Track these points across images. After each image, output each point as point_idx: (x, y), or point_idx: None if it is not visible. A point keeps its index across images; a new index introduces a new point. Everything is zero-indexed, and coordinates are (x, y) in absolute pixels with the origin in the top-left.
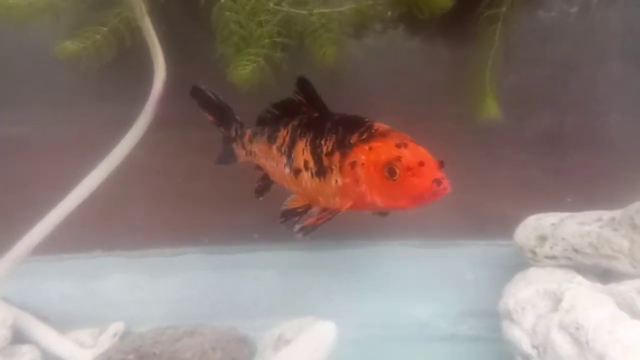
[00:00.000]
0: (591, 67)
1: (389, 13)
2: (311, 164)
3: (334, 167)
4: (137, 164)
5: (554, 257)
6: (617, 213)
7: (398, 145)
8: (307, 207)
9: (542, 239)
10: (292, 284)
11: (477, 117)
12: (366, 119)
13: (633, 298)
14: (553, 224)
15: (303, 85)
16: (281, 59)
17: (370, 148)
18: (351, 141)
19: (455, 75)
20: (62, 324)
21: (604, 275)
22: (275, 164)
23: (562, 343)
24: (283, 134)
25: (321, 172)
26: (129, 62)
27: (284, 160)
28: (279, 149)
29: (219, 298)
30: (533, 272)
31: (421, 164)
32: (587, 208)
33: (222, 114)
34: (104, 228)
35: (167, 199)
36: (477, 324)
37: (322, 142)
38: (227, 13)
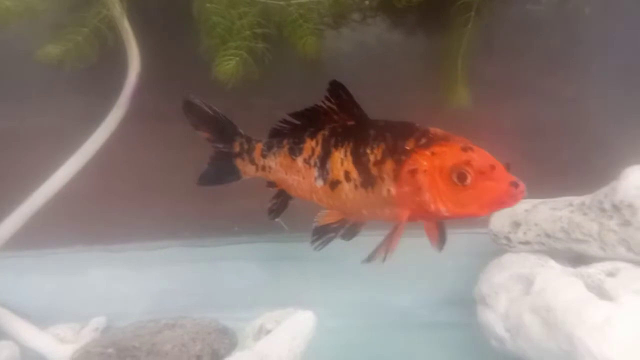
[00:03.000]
0: (567, 56)
1: (367, 2)
2: (354, 174)
3: (385, 177)
4: (116, 158)
5: (527, 243)
6: (587, 198)
7: (464, 149)
8: (343, 222)
9: (516, 225)
10: (273, 276)
11: (449, 105)
12: (418, 124)
13: (601, 280)
14: (526, 210)
15: (337, 90)
16: (263, 50)
17: (433, 153)
18: (406, 147)
19: (432, 63)
20: (43, 319)
21: (576, 259)
22: (301, 178)
23: (533, 325)
24: (311, 145)
25: (368, 182)
26: (106, 55)
27: (315, 172)
28: (306, 161)
29: (201, 291)
30: (507, 258)
31: (492, 167)
32: (563, 194)
33: (221, 130)
34: (84, 223)
35: (147, 192)
36: (456, 310)
37: (368, 151)
38: (208, 5)
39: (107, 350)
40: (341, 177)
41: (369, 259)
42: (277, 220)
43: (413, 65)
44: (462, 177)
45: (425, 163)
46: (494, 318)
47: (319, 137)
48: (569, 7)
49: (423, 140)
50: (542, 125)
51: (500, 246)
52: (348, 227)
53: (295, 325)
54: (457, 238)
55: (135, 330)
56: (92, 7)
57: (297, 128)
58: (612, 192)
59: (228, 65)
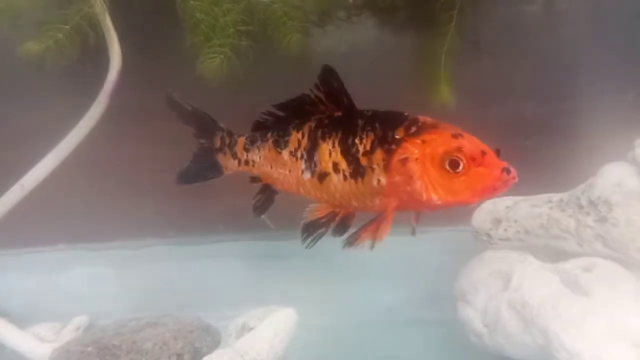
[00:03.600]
0: (552, 55)
1: (350, 0)
2: (343, 165)
3: (375, 167)
4: (99, 155)
5: (507, 239)
6: (565, 195)
7: (454, 136)
8: (333, 215)
9: (497, 221)
10: (258, 274)
11: (431, 103)
12: (406, 113)
13: (577, 275)
14: (507, 207)
15: (328, 77)
16: (247, 48)
17: (423, 141)
18: (396, 136)
19: (416, 62)
20: (24, 319)
21: (556, 255)
22: (287, 171)
23: (510, 320)
24: (297, 137)
25: (358, 172)
26: (92, 52)
27: (302, 165)
28: (292, 153)
29: (185, 289)
30: (488, 255)
31: (483, 153)
32: (547, 191)
33: (201, 125)
34: (66, 221)
35: (131, 190)
36: (441, 307)
37: (357, 141)
38: (192, 2)
39: (87, 349)
40: (329, 168)
41: (349, 243)
42: (262, 217)
43: (398, 63)
44: (454, 164)
45: (416, 151)
46: (473, 314)
47: (305, 128)
48: (555, 7)
49: (413, 129)
50: (528, 124)
51: (482, 243)
52: (338, 222)
53: (277, 323)
54: (442, 235)
55: (117, 329)
56: (74, 4)
57: (281, 120)
58: (590, 188)
59: (212, 63)
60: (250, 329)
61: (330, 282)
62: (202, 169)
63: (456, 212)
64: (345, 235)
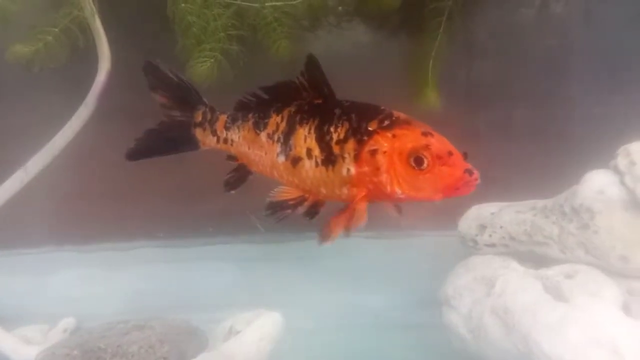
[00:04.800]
0: (542, 61)
1: (340, 8)
2: (316, 151)
3: (346, 156)
4: (89, 157)
5: (492, 245)
6: (549, 201)
7: (424, 134)
8: (302, 199)
9: (482, 227)
10: (247, 277)
11: (418, 107)
12: (382, 107)
13: (559, 282)
14: (492, 213)
15: (312, 65)
16: (238, 52)
17: (394, 135)
18: (369, 128)
19: (405, 66)
20: (12, 320)
21: (540, 261)
22: (263, 153)
23: (493, 326)
24: (276, 120)
25: (329, 160)
26: (84, 54)
27: (277, 148)
28: (270, 136)
29: (174, 291)
30: (473, 260)
31: (450, 153)
32: (533, 197)
33: (183, 97)
34: (55, 222)
35: (121, 192)
36: (427, 312)
37: (332, 129)
38: (183, 5)
39: (72, 352)
40: (303, 154)
41: (323, 237)
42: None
43: (387, 68)
44: (419, 161)
45: (385, 144)
46: (457, 319)
47: (285, 113)
48: (545, 14)
49: (386, 122)
50: (516, 129)
51: (468, 248)
52: (307, 207)
53: (263, 327)
54: (429, 240)
55: (103, 332)
56: (63, 7)
57: (264, 103)
58: (573, 196)
59: (203, 67)
60: (237, 332)
61: (319, 286)
62: (176, 142)
63: (444, 217)
64: (330, 242)
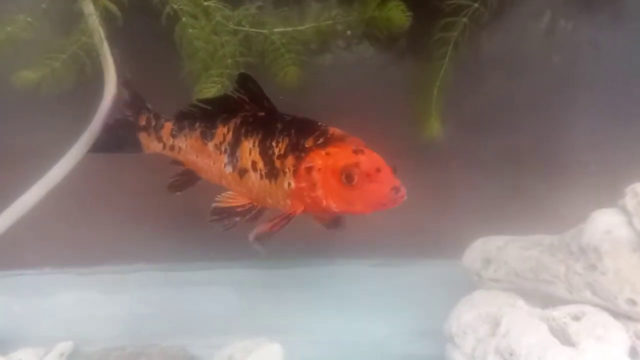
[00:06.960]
0: (550, 92)
1: (348, 32)
2: (260, 165)
3: (287, 171)
4: (89, 180)
5: (497, 280)
6: (555, 238)
7: (355, 152)
8: (250, 208)
9: (487, 262)
10: (247, 302)
11: (421, 137)
12: (320, 123)
13: (566, 324)
14: (498, 247)
15: (245, 82)
16: None
17: (327, 153)
18: (306, 145)
19: (410, 94)
20: (7, 343)
21: (546, 299)
22: (211, 162)
23: None
24: (223, 131)
25: (272, 174)
26: (95, 78)
27: (225, 159)
28: (217, 146)
29: (173, 316)
30: (478, 295)
31: (378, 170)
32: (539, 229)
33: (131, 98)
34: (53, 244)
35: (120, 215)
36: (431, 342)
37: (274, 144)
38: (191, 30)
39: None
40: (249, 166)
41: (258, 239)
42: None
43: (394, 95)
44: (349, 178)
45: (320, 162)
46: (461, 358)
47: (231, 124)
48: (551, 44)
49: (321, 140)
50: (522, 159)
51: (472, 282)
52: (254, 215)
53: (263, 358)
54: (433, 269)
55: (100, 358)
56: (72, 34)
57: (209, 113)
58: (579, 234)
59: (209, 93)
60: None
61: (320, 313)
62: (122, 141)
63: (449, 245)
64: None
